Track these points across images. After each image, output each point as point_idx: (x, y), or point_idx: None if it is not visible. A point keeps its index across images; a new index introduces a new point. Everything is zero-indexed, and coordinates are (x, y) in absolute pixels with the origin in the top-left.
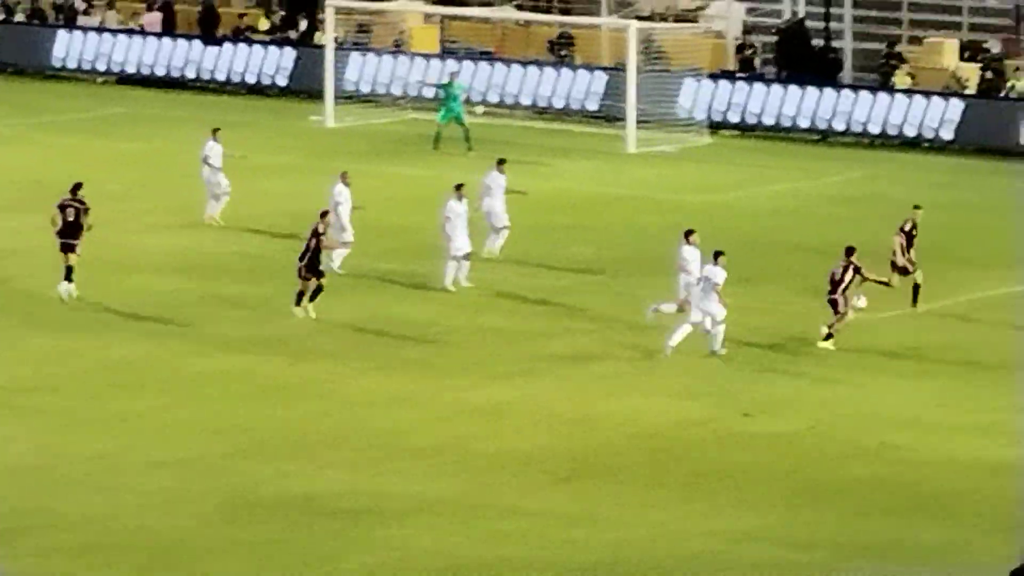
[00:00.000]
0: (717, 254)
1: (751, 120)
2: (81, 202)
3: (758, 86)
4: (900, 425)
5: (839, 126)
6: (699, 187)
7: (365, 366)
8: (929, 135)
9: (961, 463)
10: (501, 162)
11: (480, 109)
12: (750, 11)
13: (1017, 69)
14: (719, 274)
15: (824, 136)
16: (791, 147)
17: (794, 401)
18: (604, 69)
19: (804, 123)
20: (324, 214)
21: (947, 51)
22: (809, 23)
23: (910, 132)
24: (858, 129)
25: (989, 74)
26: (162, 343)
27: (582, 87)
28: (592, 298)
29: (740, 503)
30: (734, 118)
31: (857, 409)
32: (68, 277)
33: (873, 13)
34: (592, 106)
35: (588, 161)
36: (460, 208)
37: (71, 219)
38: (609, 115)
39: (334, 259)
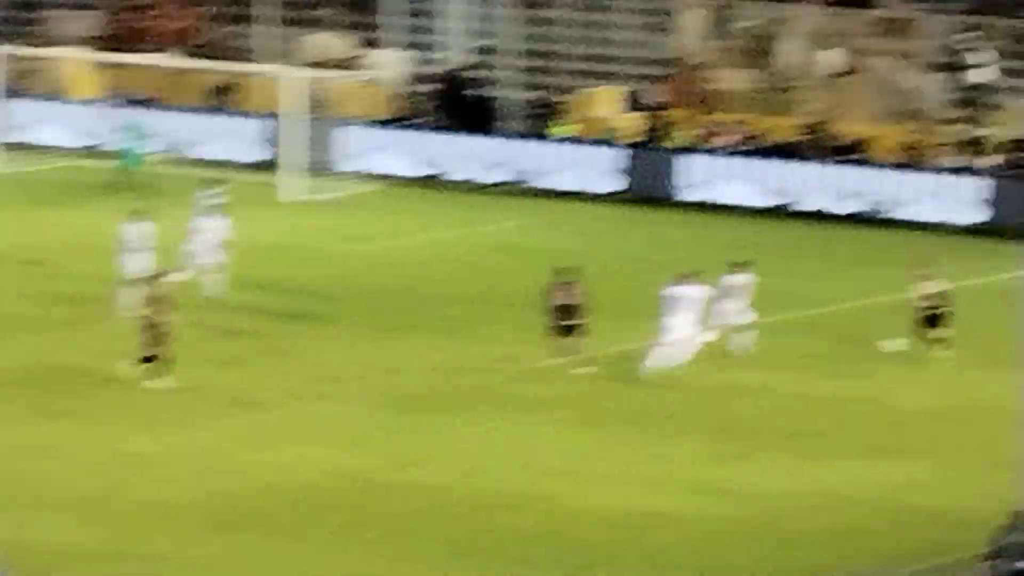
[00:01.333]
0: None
1: (411, 168)
2: None
3: (418, 134)
4: (554, 474)
5: (497, 175)
6: (358, 236)
7: (17, 415)
8: (588, 185)
9: (614, 513)
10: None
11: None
12: (412, 60)
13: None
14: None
15: (483, 185)
16: (451, 196)
17: (448, 450)
18: (266, 116)
19: (463, 172)
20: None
21: (607, 100)
22: (470, 73)
23: (568, 182)
24: (516, 178)
25: (648, 123)
26: None
27: (244, 134)
28: (246, 348)
29: (393, 554)
30: (395, 166)
31: (512, 458)
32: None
33: (534, 63)
34: (254, 154)
35: (248, 209)
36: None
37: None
38: (271, 163)
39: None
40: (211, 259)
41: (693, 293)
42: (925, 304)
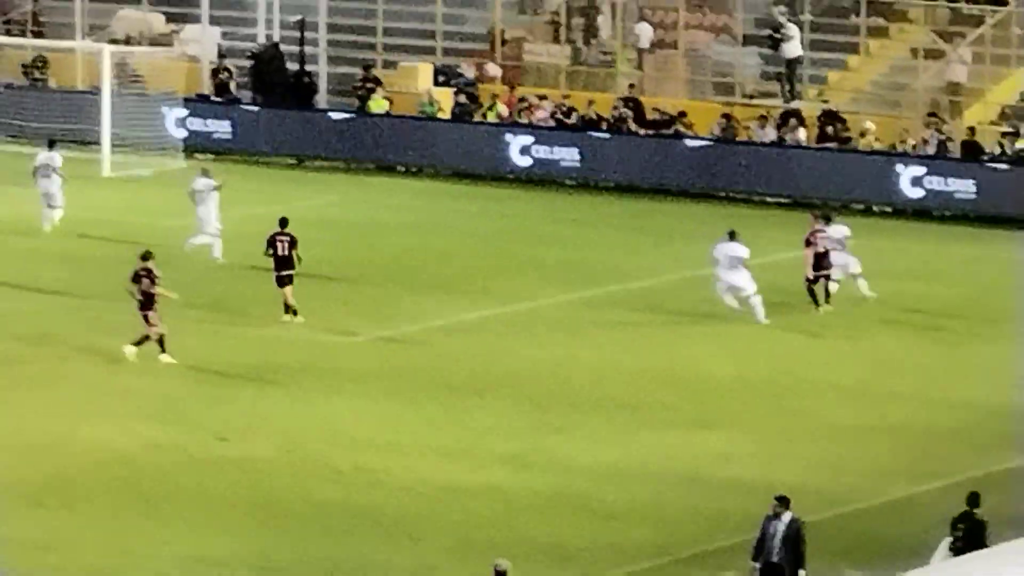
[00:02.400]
0: (731, 233)
1: (226, 145)
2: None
3: (233, 110)
4: (372, 448)
5: (314, 151)
6: (172, 212)
7: None
8: (403, 159)
9: (430, 486)
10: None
11: None
12: (225, 35)
13: (493, 95)
14: (742, 249)
15: (300, 161)
16: (267, 172)
17: (268, 424)
18: (79, 92)
19: (280, 148)
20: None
21: (421, 75)
22: (284, 47)
23: (384, 156)
24: (333, 154)
25: (463, 98)
26: None
27: (57, 110)
28: (62, 322)
29: (210, 527)
30: (209, 142)
31: (330, 432)
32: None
33: (349, 37)
34: (68, 129)
35: (64, 184)
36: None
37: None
38: (83, 139)
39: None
40: None
41: (739, 251)
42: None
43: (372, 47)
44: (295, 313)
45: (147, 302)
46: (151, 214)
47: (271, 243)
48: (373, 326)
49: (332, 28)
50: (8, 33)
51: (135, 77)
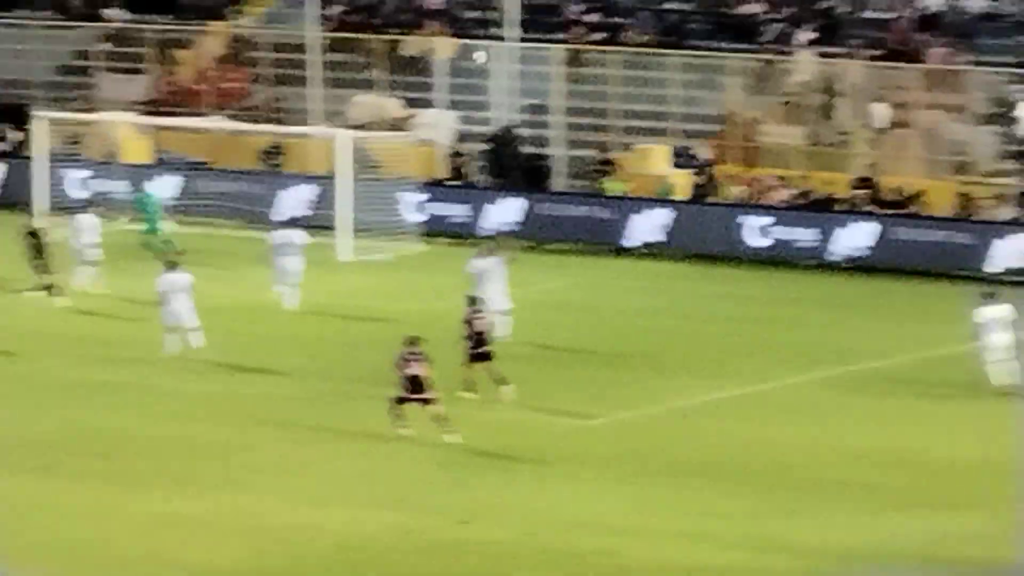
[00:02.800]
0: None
1: (463, 228)
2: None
3: (469, 194)
4: (614, 531)
5: (550, 233)
6: (412, 295)
7: (67, 479)
8: (641, 241)
9: (674, 569)
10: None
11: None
12: (461, 120)
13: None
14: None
15: (537, 244)
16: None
17: (509, 507)
18: (316, 178)
19: (516, 231)
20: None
21: (657, 157)
22: (520, 131)
23: (622, 238)
24: (568, 236)
25: (699, 179)
26: None
27: (294, 196)
28: (300, 408)
29: None
30: (447, 226)
31: (571, 515)
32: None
33: (584, 120)
34: (303, 215)
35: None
36: None
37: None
38: (322, 224)
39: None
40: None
41: (1001, 313)
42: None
43: (607, 129)
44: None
45: (416, 386)
46: (390, 298)
47: (468, 322)
48: (611, 409)
49: (567, 111)
50: (246, 120)
51: (372, 162)
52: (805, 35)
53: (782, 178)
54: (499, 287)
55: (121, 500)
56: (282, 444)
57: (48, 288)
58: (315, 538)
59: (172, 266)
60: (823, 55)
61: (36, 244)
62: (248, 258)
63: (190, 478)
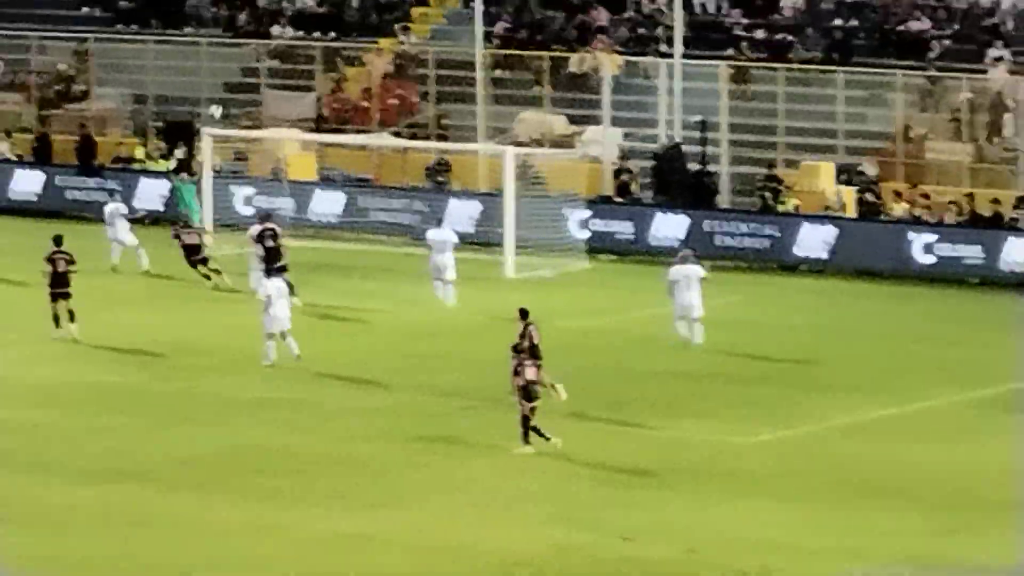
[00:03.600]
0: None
1: (628, 245)
2: (67, 254)
3: (635, 210)
4: (776, 549)
5: (716, 250)
6: (576, 312)
7: (230, 496)
8: (807, 258)
9: None
10: None
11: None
12: (626, 136)
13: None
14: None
15: (702, 260)
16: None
17: (670, 525)
18: (481, 195)
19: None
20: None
21: (824, 174)
22: (685, 148)
23: (788, 255)
24: (734, 253)
25: (866, 196)
26: (25, 475)
27: (459, 213)
28: (463, 425)
29: None
30: (612, 243)
31: (733, 533)
32: (71, 319)
33: (750, 137)
34: (469, 231)
35: (465, 287)
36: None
37: (60, 269)
38: (486, 241)
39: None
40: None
41: None
42: None
43: (773, 146)
44: None
45: (527, 394)
46: (554, 315)
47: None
48: (773, 426)
49: (733, 128)
50: (412, 136)
51: (537, 179)
52: (975, 51)
53: (948, 196)
54: (694, 295)
55: (282, 518)
56: (443, 461)
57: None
58: (477, 556)
59: (273, 272)
60: (988, 71)
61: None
62: (412, 275)
63: (352, 495)
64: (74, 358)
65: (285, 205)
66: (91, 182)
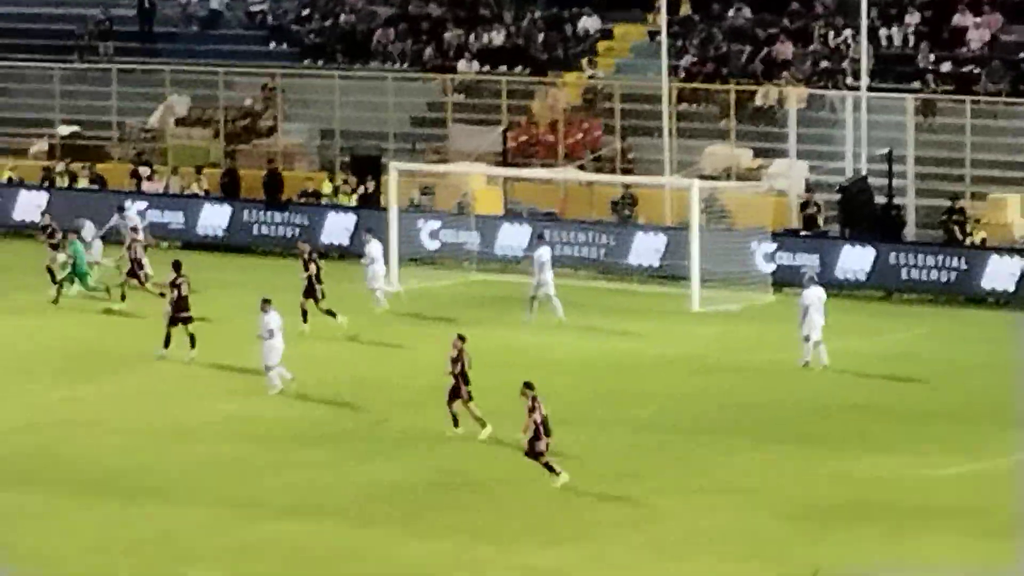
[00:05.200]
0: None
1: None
2: (186, 278)
3: (821, 243)
4: None
5: (900, 283)
6: (762, 346)
7: (424, 530)
8: (993, 290)
9: None
10: None
11: None
12: (812, 169)
13: None
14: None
15: (888, 293)
16: (855, 304)
17: (862, 559)
18: (666, 228)
19: (867, 280)
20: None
21: (1011, 207)
22: (872, 180)
23: (974, 288)
24: (921, 286)
25: None
26: (222, 510)
27: (645, 246)
28: (650, 459)
29: None
30: (798, 276)
31: (923, 566)
32: (192, 344)
33: (937, 170)
34: (654, 265)
35: (651, 321)
36: None
37: (184, 293)
38: (672, 274)
39: None
40: None
41: None
42: None
43: (960, 179)
44: None
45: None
46: (740, 349)
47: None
48: (962, 459)
49: (919, 160)
50: (598, 170)
51: (723, 212)
52: None
53: None
54: (820, 317)
55: (475, 553)
56: (633, 496)
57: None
58: None
59: (268, 305)
60: None
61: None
62: (599, 309)
63: (544, 529)
64: (257, 393)
65: (471, 239)
66: (278, 217)
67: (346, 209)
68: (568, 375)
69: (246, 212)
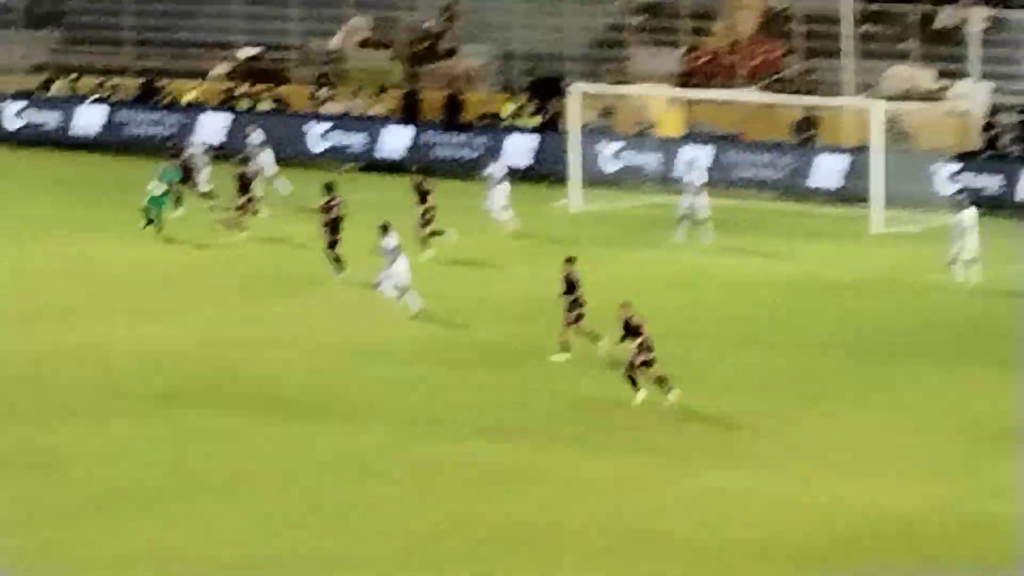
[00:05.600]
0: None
1: (997, 199)
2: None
3: (1004, 165)
4: None
5: None
6: (939, 268)
7: (606, 450)
8: None
9: None
10: None
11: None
12: (995, 90)
13: None
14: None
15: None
16: None
17: None
18: (847, 150)
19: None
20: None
21: None
22: None
23: None
24: None
25: None
26: (405, 430)
27: (826, 168)
28: (833, 382)
29: None
30: (979, 197)
31: None
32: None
33: None
34: (835, 187)
35: (832, 243)
36: None
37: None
38: (852, 196)
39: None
40: None
41: None
42: None
43: None
44: None
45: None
46: (922, 270)
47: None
48: None
49: None
50: (779, 92)
51: (905, 134)
52: None
53: None
54: (974, 237)
55: (657, 474)
56: (815, 416)
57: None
58: (847, 511)
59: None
60: None
61: None
62: (780, 231)
63: (726, 451)
64: (452, 316)
65: (652, 161)
66: (458, 139)
67: (527, 131)
68: (748, 297)
69: (426, 134)
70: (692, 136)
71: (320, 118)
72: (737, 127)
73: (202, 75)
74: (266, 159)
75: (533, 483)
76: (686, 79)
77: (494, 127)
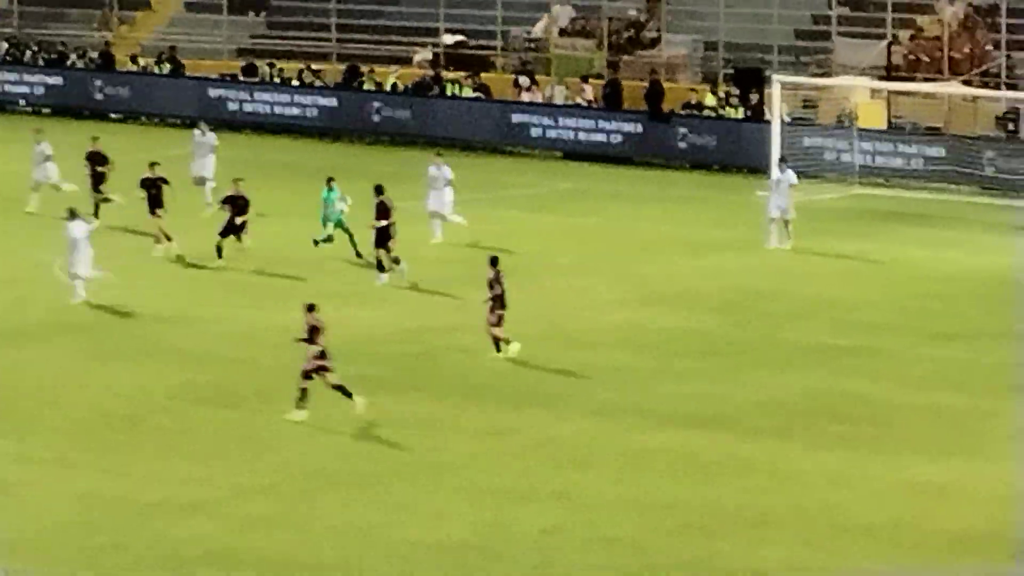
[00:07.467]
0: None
1: None
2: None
3: None
4: None
5: None
6: None
7: (808, 443)
8: None
9: None
10: None
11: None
12: None
13: None
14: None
15: None
16: None
17: None
18: None
19: None
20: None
21: None
22: None
23: None
24: None
25: None
26: (609, 418)
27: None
28: (974, 369)
29: None
30: None
31: None
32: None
33: None
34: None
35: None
36: None
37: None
38: None
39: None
40: None
41: None
42: None
43: None
44: None
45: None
46: None
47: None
48: None
49: None
50: (983, 85)
51: None
52: None
53: None
54: None
55: (858, 466)
56: (1019, 410)
57: None
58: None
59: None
60: None
61: None
62: (983, 225)
63: (929, 444)
64: (647, 303)
65: (853, 152)
66: (660, 128)
67: (730, 121)
68: (953, 289)
69: (628, 124)
70: (894, 129)
71: (520, 106)
72: (940, 121)
73: (406, 61)
74: None
75: (738, 473)
76: (889, 72)
77: (697, 116)
